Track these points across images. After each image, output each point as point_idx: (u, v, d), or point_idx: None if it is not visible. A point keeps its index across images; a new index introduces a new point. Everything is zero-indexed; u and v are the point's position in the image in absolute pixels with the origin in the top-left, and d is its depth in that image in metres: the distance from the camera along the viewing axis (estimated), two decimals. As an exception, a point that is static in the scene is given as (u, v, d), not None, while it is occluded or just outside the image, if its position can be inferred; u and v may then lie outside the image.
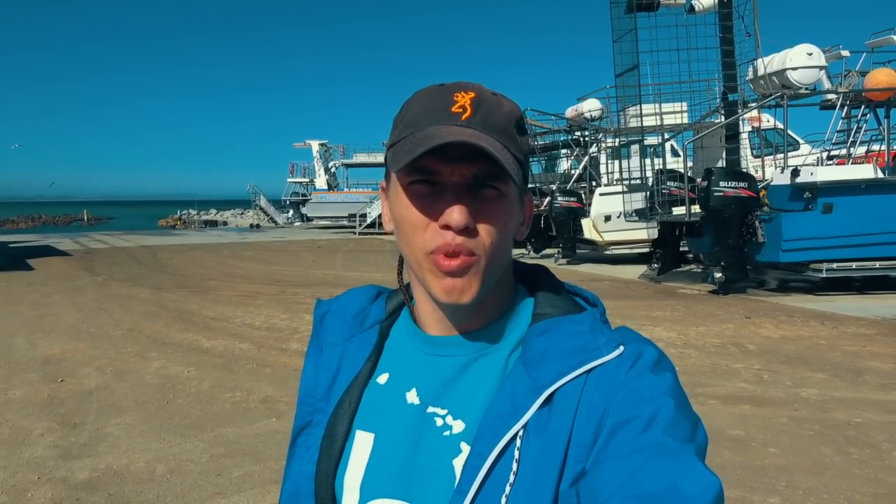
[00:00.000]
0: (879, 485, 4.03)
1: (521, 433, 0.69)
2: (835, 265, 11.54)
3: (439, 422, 0.75)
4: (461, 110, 0.71)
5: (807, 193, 11.35)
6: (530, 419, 0.69)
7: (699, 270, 13.99)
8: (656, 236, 14.53)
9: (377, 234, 33.53)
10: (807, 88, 12.40)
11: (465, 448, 0.72)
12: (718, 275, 11.76)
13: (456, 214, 0.69)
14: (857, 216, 11.27)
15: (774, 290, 12.39)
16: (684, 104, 15.81)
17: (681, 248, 14.44)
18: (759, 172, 13.42)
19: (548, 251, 18.87)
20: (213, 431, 5.09)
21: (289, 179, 45.04)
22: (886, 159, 12.64)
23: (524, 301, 0.81)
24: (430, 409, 0.76)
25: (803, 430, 4.97)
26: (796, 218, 11.45)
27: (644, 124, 15.26)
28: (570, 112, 20.40)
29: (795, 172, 11.49)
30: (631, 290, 12.87)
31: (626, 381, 0.69)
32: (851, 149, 12.88)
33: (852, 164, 12.31)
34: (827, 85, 12.80)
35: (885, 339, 8.03)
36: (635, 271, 15.36)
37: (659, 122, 15.30)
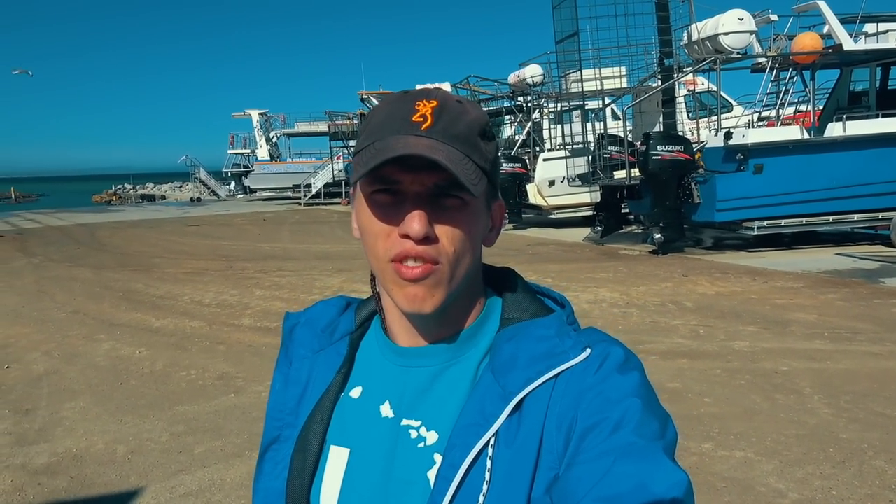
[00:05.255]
0: (802, 426, 4.41)
1: (492, 441, 0.69)
2: (765, 223, 12.16)
3: (413, 434, 0.74)
4: (421, 119, 0.70)
5: (739, 155, 11.86)
6: (501, 427, 0.69)
7: (640, 232, 14.48)
8: (599, 200, 14.94)
9: (323, 204, 33.22)
10: (738, 53, 12.82)
11: (439, 459, 0.71)
12: (657, 235, 12.22)
13: (415, 224, 0.69)
14: (786, 175, 11.87)
15: (710, 249, 12.98)
16: (623, 68, 16.13)
17: (623, 211, 14.91)
18: (695, 135, 13.90)
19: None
20: (170, 410, 5.13)
21: (229, 150, 43.89)
22: (812, 120, 13.25)
23: (493, 306, 0.80)
24: (405, 422, 0.75)
25: (735, 381, 5.34)
26: (729, 179, 11.97)
27: (585, 89, 15.53)
28: (512, 78, 20.52)
29: (728, 135, 11.97)
30: (575, 252, 13.25)
31: (594, 385, 0.69)
32: (780, 110, 13.45)
33: (781, 125, 12.88)
34: (757, 49, 13.24)
35: (810, 292, 8.58)
36: (579, 234, 15.77)
37: (599, 87, 15.59)
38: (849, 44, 12.45)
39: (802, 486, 3.63)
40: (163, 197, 49.86)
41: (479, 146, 0.72)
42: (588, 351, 0.71)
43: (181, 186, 54.81)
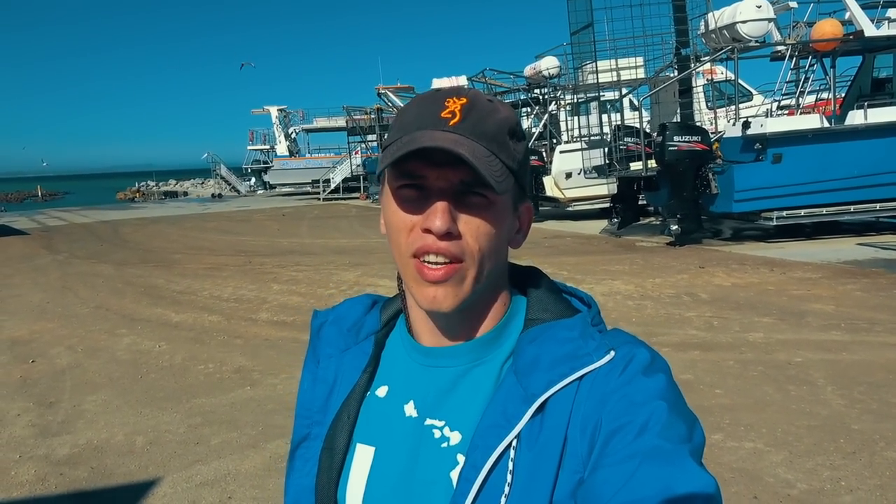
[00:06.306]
0: (813, 418, 4.39)
1: (514, 443, 0.69)
2: (784, 213, 12.01)
3: (437, 434, 0.75)
4: (450, 116, 0.71)
5: (757, 144, 11.71)
6: (523, 429, 0.69)
7: (657, 223, 14.37)
8: (616, 192, 14.86)
9: (342, 199, 33.40)
10: (756, 41, 12.65)
11: (462, 459, 0.72)
12: (675, 227, 12.13)
13: (437, 219, 0.69)
14: (805, 165, 11.70)
15: (728, 240, 12.86)
16: (640, 59, 15.97)
17: (640, 203, 14.81)
18: (713, 125, 13.75)
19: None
20: (188, 402, 5.24)
21: (249, 147, 44.26)
22: (833, 108, 13.05)
23: (517, 306, 0.80)
24: (428, 422, 0.76)
25: (748, 372, 5.32)
26: (747, 169, 11.83)
27: (600, 80, 15.42)
28: (528, 70, 20.41)
29: (746, 124, 11.83)
30: (592, 245, 13.20)
31: (618, 387, 0.68)
32: (800, 99, 13.26)
33: (801, 114, 12.69)
34: (776, 36, 13.04)
35: (829, 283, 8.48)
36: (597, 226, 15.71)
37: (616, 78, 15.48)
38: (870, 30, 12.21)
39: (811, 477, 3.62)
40: (185, 193, 50.48)
41: (507, 145, 0.72)
42: (612, 353, 0.71)
43: (203, 183, 55.44)
